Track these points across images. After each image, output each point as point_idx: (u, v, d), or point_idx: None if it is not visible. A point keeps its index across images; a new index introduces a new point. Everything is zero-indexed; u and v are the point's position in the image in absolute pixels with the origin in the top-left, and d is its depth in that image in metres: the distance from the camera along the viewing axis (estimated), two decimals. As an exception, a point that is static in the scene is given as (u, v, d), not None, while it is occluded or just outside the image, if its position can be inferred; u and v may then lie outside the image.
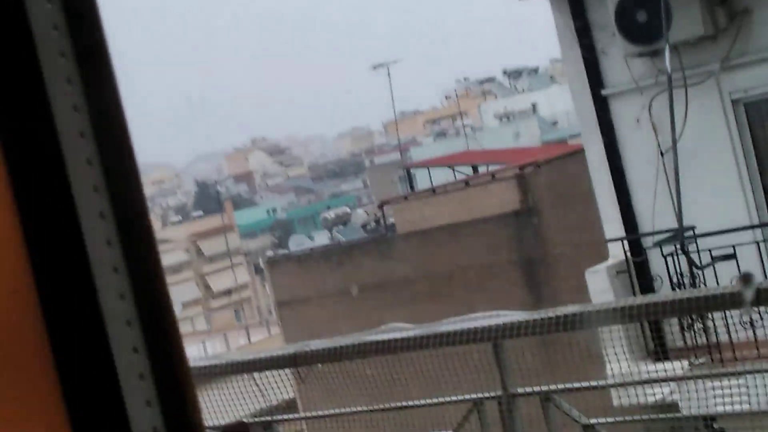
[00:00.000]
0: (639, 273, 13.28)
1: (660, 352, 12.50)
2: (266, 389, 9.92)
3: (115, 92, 1.75)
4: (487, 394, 6.24)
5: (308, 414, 9.34)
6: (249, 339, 46.41)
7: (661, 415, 10.75)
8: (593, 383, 6.49)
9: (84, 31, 1.73)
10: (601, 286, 13.15)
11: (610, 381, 6.37)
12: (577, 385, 6.46)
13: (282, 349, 6.98)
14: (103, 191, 1.72)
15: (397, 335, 6.13)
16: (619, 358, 11.05)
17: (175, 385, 1.78)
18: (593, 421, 6.18)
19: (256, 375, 8.95)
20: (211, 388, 8.99)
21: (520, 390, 6.07)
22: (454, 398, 6.57)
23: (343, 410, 8.11)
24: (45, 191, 1.68)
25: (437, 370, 7.88)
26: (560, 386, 6.33)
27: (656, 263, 13.03)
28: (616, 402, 11.13)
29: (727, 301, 5.76)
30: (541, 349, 12.89)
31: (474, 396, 6.31)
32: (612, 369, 11.36)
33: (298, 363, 6.60)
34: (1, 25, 1.65)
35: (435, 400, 6.73)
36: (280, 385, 9.47)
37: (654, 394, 11.18)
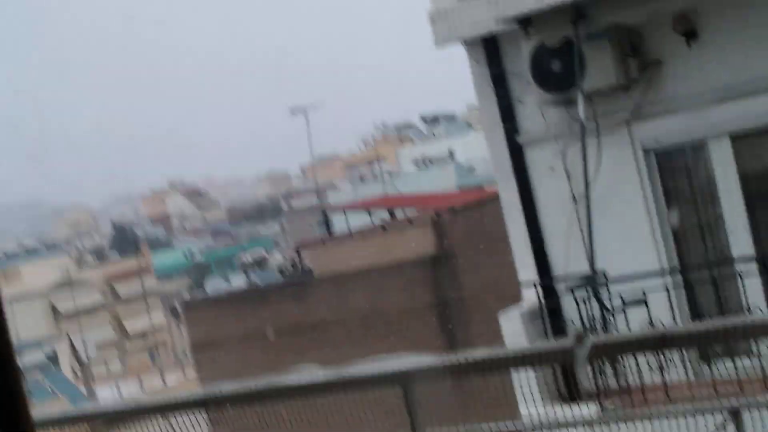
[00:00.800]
0: (552, 317, 13.45)
1: (571, 395, 12.68)
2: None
3: None
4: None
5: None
6: (164, 381, 46.02)
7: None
8: (502, 425, 6.58)
9: None
10: (514, 329, 13.30)
11: (518, 424, 6.44)
12: (484, 425, 6.56)
13: (192, 392, 7.00)
14: None
15: (307, 379, 6.19)
16: (532, 400, 11.22)
17: None
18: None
19: (171, 419, 8.95)
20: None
21: (429, 432, 6.16)
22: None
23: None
24: None
25: (351, 412, 7.93)
26: (469, 427, 6.43)
27: (569, 308, 13.22)
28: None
29: (634, 344, 5.90)
30: (456, 391, 13.00)
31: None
32: (525, 411, 11.51)
33: (209, 405, 6.62)
34: None
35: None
36: (194, 429, 9.47)
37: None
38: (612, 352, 6.92)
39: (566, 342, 5.79)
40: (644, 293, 12.50)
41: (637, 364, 11.85)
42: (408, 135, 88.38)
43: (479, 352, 5.87)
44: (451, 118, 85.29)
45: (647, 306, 12.41)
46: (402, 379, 5.84)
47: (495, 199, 17.03)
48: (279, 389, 6.26)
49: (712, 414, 7.23)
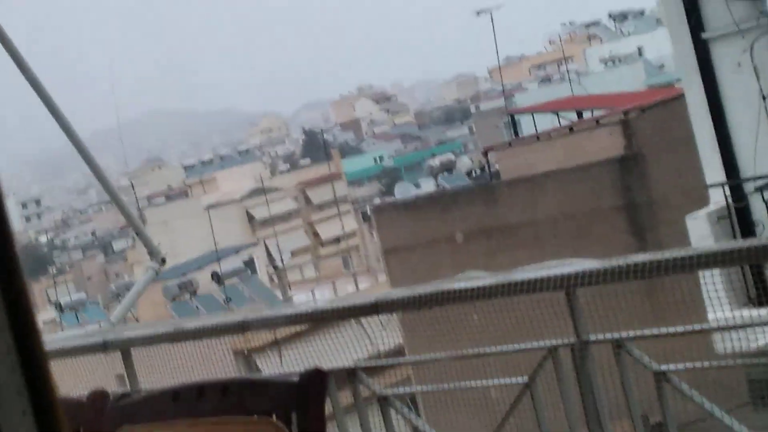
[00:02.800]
0: (740, 218, 13.21)
1: (760, 298, 12.45)
2: (374, 336, 10.11)
3: None
4: (560, 342, 6.32)
5: (391, 360, 9.49)
6: (357, 286, 46.74)
7: (754, 360, 10.74)
8: (664, 330, 6.51)
9: None
10: (701, 231, 13.11)
11: (683, 328, 6.38)
12: (647, 331, 6.50)
13: (363, 297, 7.13)
14: None
15: (471, 284, 6.23)
16: (719, 304, 11.04)
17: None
18: (664, 367, 6.21)
19: (364, 322, 9.14)
20: (319, 335, 9.15)
21: (593, 337, 6.13)
22: (529, 346, 6.66)
23: (421, 357, 8.27)
24: None
25: (520, 317, 7.97)
26: (632, 333, 6.39)
27: (758, 208, 12.95)
28: (719, 348, 11.13)
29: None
30: (648, 295, 12.91)
31: (549, 344, 6.40)
32: (713, 316, 11.35)
33: (380, 310, 6.73)
34: None
35: (511, 348, 6.81)
36: (386, 333, 9.66)
37: (756, 340, 11.15)
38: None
39: (755, 241, 5.69)
40: (837, 192, 12.15)
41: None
42: (595, 33, 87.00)
43: (642, 255, 5.81)
44: (639, 15, 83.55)
45: (840, 205, 12.07)
46: (565, 284, 5.84)
47: (684, 97, 16.69)
48: (444, 294, 6.32)
49: None
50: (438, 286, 6.40)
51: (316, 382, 4.03)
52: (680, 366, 6.42)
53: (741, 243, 7.22)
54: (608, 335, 6.23)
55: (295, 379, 4.02)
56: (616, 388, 6.33)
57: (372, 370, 7.38)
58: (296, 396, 3.93)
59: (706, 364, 7.62)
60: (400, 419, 7.09)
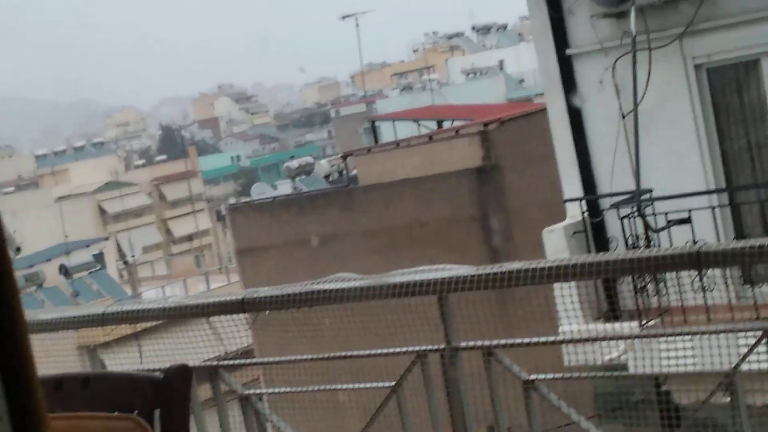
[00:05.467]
0: (595, 234, 13.37)
1: (612, 313, 12.63)
2: (224, 336, 9.96)
3: None
4: (430, 347, 6.30)
5: (256, 360, 9.38)
6: (208, 285, 46.37)
7: (608, 374, 10.91)
8: (535, 339, 6.53)
9: None
10: (557, 245, 13.23)
11: (553, 338, 6.42)
12: (519, 340, 6.52)
13: (231, 294, 7.01)
14: None
15: (344, 285, 6.17)
16: (572, 317, 11.17)
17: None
18: (533, 377, 6.24)
19: (214, 322, 9.00)
20: (167, 334, 9.00)
21: (463, 344, 6.12)
22: (398, 350, 6.62)
23: (284, 358, 8.17)
24: None
25: (387, 321, 7.94)
26: (503, 341, 6.39)
27: (613, 225, 13.13)
28: (566, 361, 11.25)
29: (678, 262, 5.82)
30: (497, 305, 12.98)
31: (417, 348, 6.37)
32: (564, 328, 11.48)
33: (247, 309, 6.63)
34: None
35: (379, 351, 6.77)
36: (236, 331, 9.51)
37: (603, 354, 11.30)
38: (654, 267, 6.85)
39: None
40: (689, 212, 12.37)
41: (679, 284, 11.76)
42: (458, 45, 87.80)
43: (517, 264, 5.82)
44: (502, 29, 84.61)
45: (692, 225, 12.28)
46: (438, 289, 5.81)
47: (543, 112, 16.87)
48: (315, 294, 6.25)
49: (753, 333, 7.15)
50: (309, 286, 6.32)
51: (180, 379, 3.90)
52: (548, 375, 6.44)
53: (599, 257, 7.27)
54: (479, 342, 6.23)
55: (159, 375, 3.89)
56: (483, 396, 6.33)
57: (225, 369, 7.25)
58: (160, 392, 3.79)
59: (575, 374, 7.66)
60: (255, 420, 6.98)
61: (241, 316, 8.43)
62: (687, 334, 8.24)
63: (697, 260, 5.54)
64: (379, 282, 6.02)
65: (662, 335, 9.82)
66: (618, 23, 13.15)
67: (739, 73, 13.09)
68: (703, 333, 7.65)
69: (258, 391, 7.38)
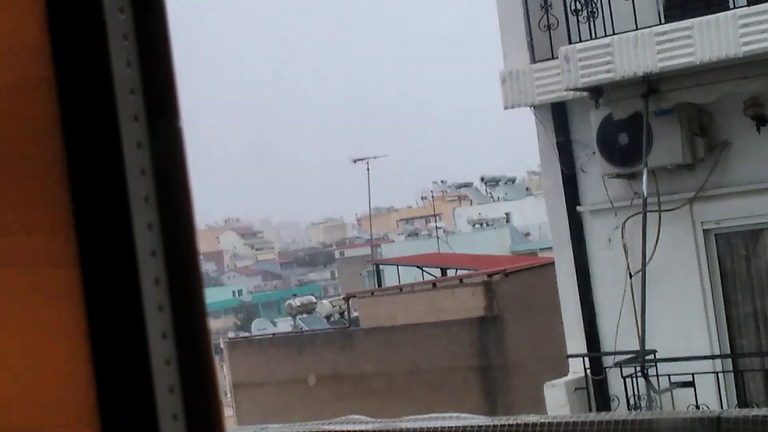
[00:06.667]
0: (597, 391, 13.33)
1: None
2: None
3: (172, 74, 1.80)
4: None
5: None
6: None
7: None
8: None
9: None
10: (558, 400, 13.19)
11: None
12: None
13: (242, 429, 6.98)
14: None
15: (356, 427, 6.14)
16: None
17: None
18: None
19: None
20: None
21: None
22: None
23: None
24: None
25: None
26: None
27: (615, 383, 13.10)
28: None
29: (680, 427, 5.82)
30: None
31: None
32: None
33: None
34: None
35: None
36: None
37: None
38: (672, 430, 6.83)
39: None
40: (692, 376, 12.35)
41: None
42: (466, 195, 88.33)
43: (533, 416, 5.82)
44: (510, 182, 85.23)
45: (695, 389, 12.26)
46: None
47: (547, 266, 16.94)
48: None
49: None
50: (320, 425, 6.30)
51: None
52: None
53: (601, 415, 7.25)
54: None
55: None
56: None
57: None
58: None
59: None
60: None
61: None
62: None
63: (717, 426, 5.54)
64: (393, 426, 6.00)
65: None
66: (629, 184, 13.30)
67: (747, 241, 13.20)
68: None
69: None
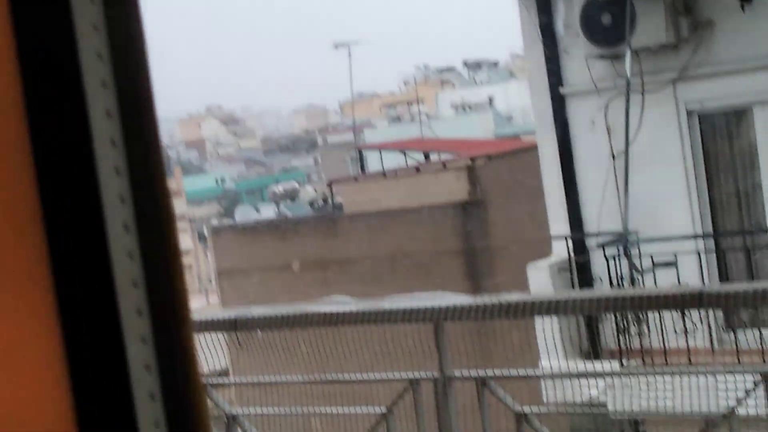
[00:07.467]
0: (580, 272, 13.41)
1: (593, 351, 12.66)
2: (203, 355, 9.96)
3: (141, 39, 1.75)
4: (423, 375, 6.27)
5: (240, 380, 9.37)
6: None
7: (592, 411, 10.92)
8: (530, 372, 6.57)
9: None
10: (541, 281, 13.26)
11: (547, 372, 6.40)
12: (513, 372, 6.53)
13: (224, 313, 7.00)
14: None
15: (341, 308, 6.15)
16: (553, 354, 11.20)
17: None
18: (527, 410, 6.23)
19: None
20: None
21: (456, 373, 6.10)
22: (390, 376, 6.59)
23: (274, 379, 8.15)
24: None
25: (375, 347, 7.93)
26: (497, 372, 6.38)
27: (598, 264, 13.16)
28: (545, 396, 11.26)
29: (662, 302, 5.84)
30: (480, 337, 12.99)
31: (410, 376, 6.34)
32: (546, 364, 11.50)
33: (239, 327, 6.60)
34: None
35: (370, 377, 6.74)
36: (215, 352, 9.50)
37: (582, 393, 11.32)
38: (639, 306, 6.88)
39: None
40: (675, 256, 12.42)
41: (662, 327, 11.81)
42: (449, 79, 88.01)
43: (514, 296, 5.83)
44: (493, 66, 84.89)
45: (677, 269, 12.33)
46: (435, 317, 5.79)
47: (531, 150, 16.93)
48: (311, 316, 6.23)
49: (734, 376, 7.15)
50: (304, 307, 6.31)
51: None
52: (542, 409, 6.45)
53: (609, 292, 7.30)
54: (473, 372, 6.22)
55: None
56: (475, 427, 6.32)
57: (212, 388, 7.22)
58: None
59: (570, 409, 7.67)
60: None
61: (220, 338, 8.43)
62: (667, 374, 8.26)
63: (699, 300, 5.57)
64: (377, 307, 6.01)
65: (639, 374, 9.85)
66: (613, 65, 13.23)
67: (730, 121, 13.18)
68: (682, 373, 7.67)
69: (245, 410, 7.34)
